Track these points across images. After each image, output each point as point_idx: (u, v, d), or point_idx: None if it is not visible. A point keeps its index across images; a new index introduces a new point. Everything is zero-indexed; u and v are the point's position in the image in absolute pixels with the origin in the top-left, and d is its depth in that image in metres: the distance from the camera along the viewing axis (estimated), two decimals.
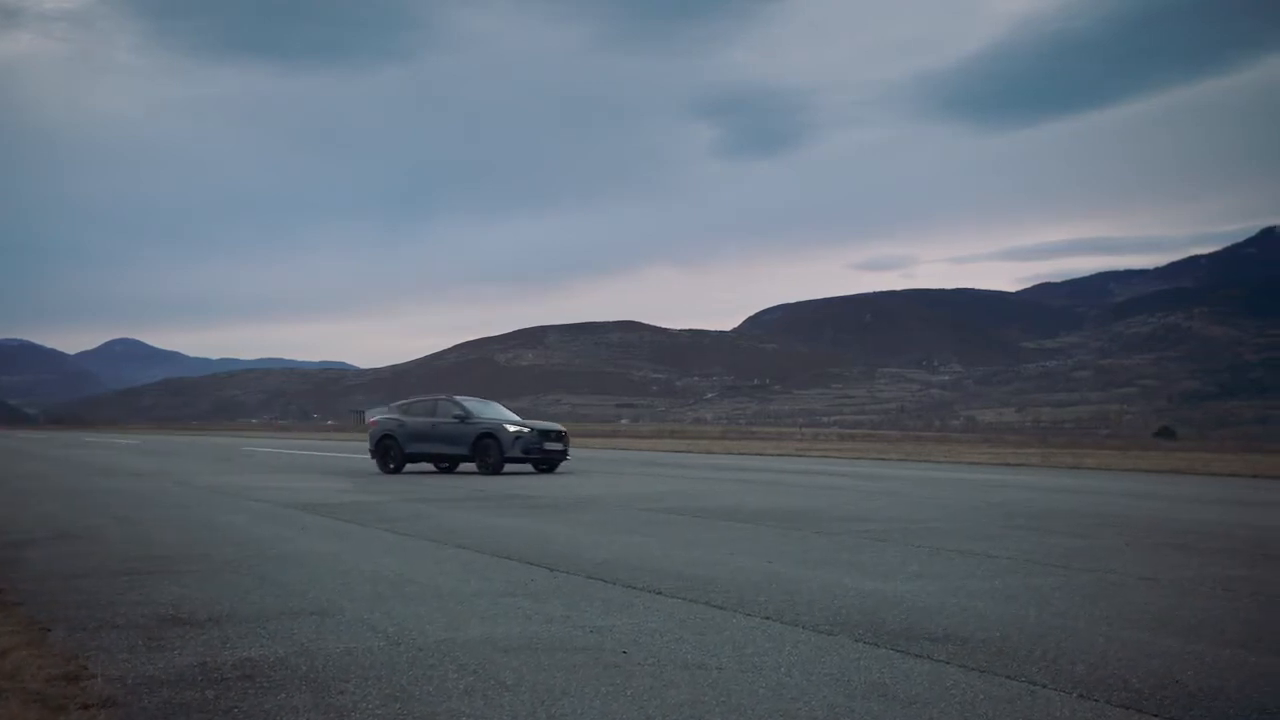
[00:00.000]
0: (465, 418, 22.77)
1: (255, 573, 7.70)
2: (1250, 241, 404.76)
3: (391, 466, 23.12)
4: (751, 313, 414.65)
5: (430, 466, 23.54)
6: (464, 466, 23.33)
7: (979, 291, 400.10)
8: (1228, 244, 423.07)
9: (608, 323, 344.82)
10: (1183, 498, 17.63)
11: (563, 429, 23.56)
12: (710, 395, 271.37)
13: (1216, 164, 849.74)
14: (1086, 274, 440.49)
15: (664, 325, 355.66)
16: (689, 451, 40.70)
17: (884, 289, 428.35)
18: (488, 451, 22.01)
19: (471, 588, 7.03)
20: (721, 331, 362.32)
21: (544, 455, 22.45)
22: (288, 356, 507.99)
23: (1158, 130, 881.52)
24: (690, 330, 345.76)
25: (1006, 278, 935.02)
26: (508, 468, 22.39)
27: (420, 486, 17.50)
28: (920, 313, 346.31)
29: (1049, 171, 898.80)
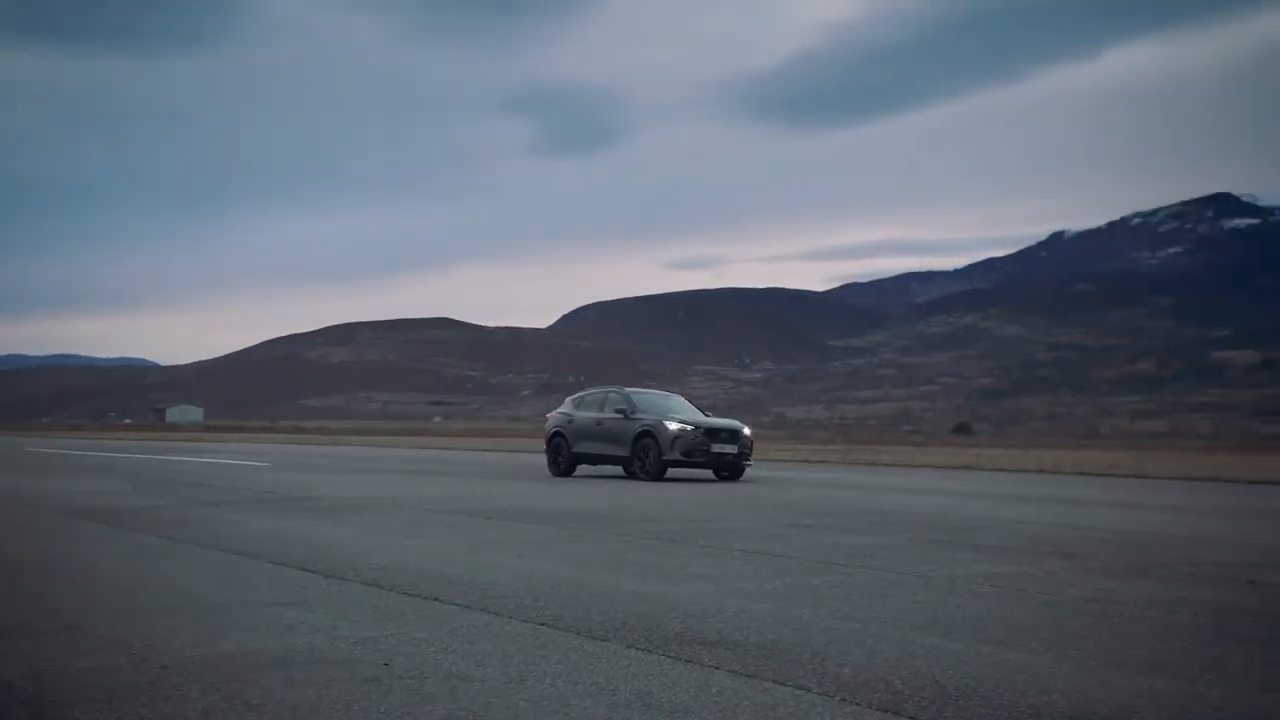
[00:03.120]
0: (629, 412, 20.27)
1: (1, 586, 7.19)
2: (1041, 245, 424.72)
3: (560, 469, 21.12)
4: (567, 310, 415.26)
5: (613, 469, 21.21)
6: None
7: (789, 291, 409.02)
8: (1021, 247, 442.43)
9: (421, 319, 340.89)
10: (968, 493, 18.23)
11: (740, 427, 20.31)
12: (525, 393, 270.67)
13: (1010, 169, 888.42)
14: (891, 275, 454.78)
15: (479, 322, 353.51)
16: (497, 450, 40.37)
17: (697, 287, 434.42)
18: (646, 453, 19.62)
19: (237, 597, 6.69)
20: (537, 329, 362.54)
21: (711, 459, 19.54)
22: (82, 352, 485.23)
23: (956, 136, 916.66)
24: (505, 327, 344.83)
25: (815, 277, 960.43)
26: (671, 473, 19.99)
27: (206, 490, 16.82)
28: (732, 311, 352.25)
29: (855, 174, 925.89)
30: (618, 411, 20.35)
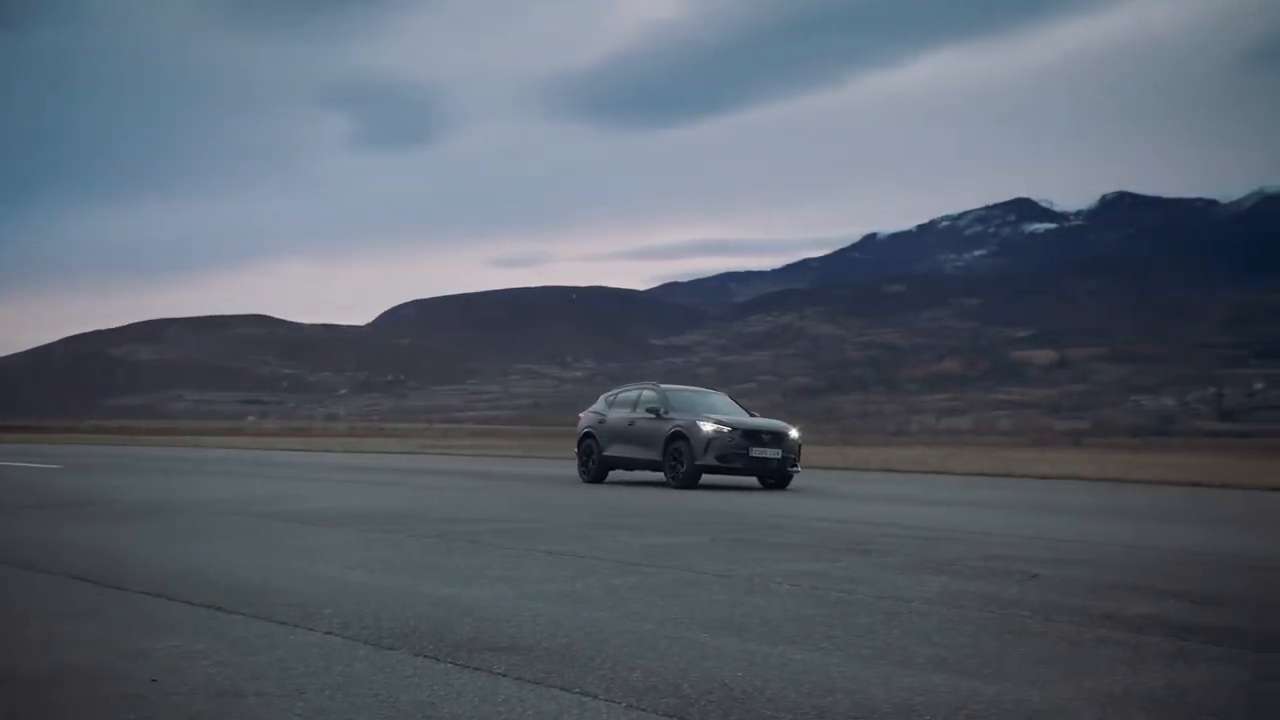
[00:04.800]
0: (662, 411, 18.58)
1: None
2: (855, 246, 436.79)
3: (590, 474, 19.36)
4: (386, 308, 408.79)
5: (652, 474, 19.21)
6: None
7: (611, 289, 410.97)
8: (836, 248, 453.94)
9: (234, 316, 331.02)
10: (774, 491, 18.51)
11: (785, 428, 18.55)
12: (343, 391, 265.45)
13: (826, 172, 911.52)
14: (710, 274, 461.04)
15: (295, 319, 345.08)
16: (309, 450, 39.42)
17: (520, 285, 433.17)
18: (679, 457, 17.89)
19: (2, 611, 6.28)
20: (355, 326, 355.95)
21: (750, 464, 17.86)
22: None
23: (773, 138, 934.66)
24: (323, 325, 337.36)
25: (637, 276, 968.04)
26: (705, 479, 18.30)
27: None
28: (555, 309, 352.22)
29: (676, 174, 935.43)
30: (650, 411, 18.77)
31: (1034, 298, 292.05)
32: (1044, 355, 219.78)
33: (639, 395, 19.49)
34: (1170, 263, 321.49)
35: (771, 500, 15.70)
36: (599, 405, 20.20)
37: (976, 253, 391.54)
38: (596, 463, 19.32)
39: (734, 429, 17.78)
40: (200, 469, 24.11)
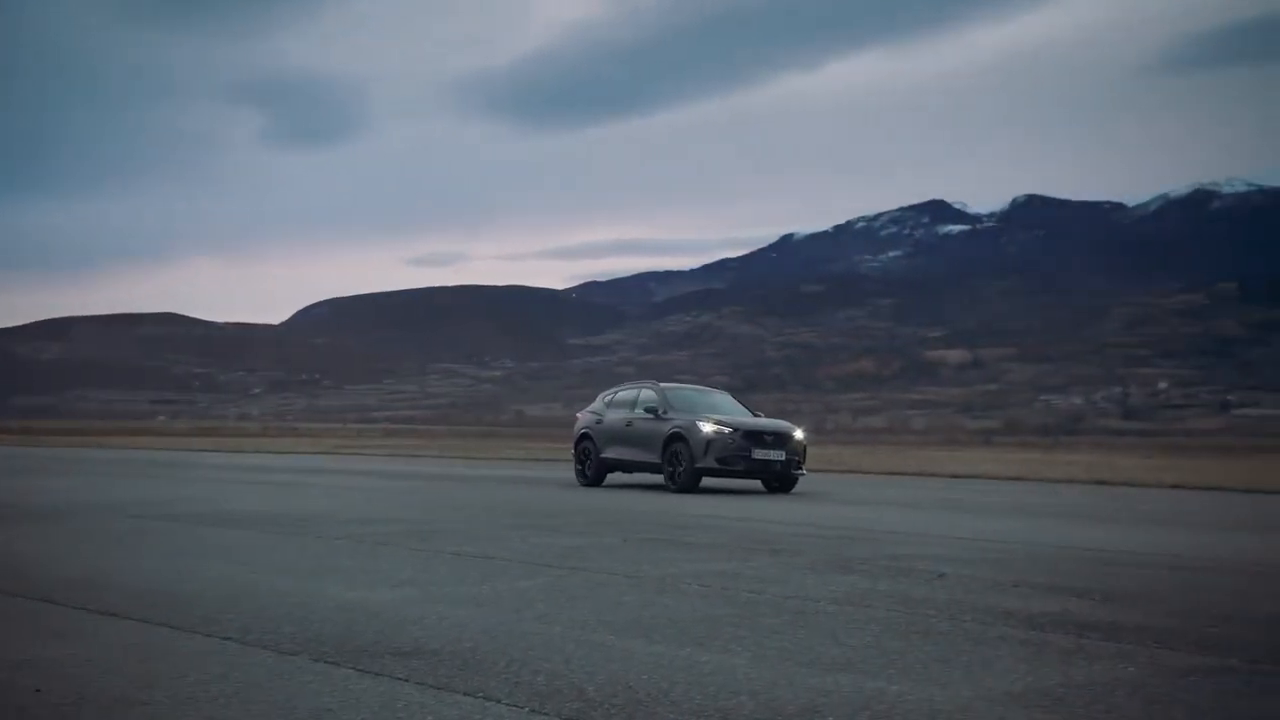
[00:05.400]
0: (661, 411, 17.74)
1: None
2: (772, 247, 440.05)
3: (587, 478, 18.54)
4: (301, 306, 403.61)
5: (651, 476, 18.29)
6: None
7: (530, 289, 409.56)
8: (754, 248, 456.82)
9: (145, 314, 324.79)
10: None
11: (790, 429, 17.68)
12: (256, 390, 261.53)
13: (743, 173, 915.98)
14: (629, 274, 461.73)
15: (207, 318, 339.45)
16: (220, 450, 38.77)
17: (438, 284, 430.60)
18: (677, 459, 17.09)
19: None
20: (269, 325, 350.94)
21: (753, 467, 17.05)
22: None
23: (692, 139, 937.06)
24: (235, 323, 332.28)
25: (556, 276, 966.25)
26: (707, 482, 17.47)
27: None
28: (473, 309, 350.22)
29: (595, 174, 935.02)
30: (648, 411, 17.94)
31: (947, 298, 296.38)
32: (957, 355, 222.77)
33: (637, 394, 18.78)
34: (1079, 264, 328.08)
35: (684, 501, 15.71)
36: (596, 405, 19.52)
37: (891, 253, 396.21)
38: (594, 465, 18.60)
39: (735, 430, 17.03)
40: (104, 470, 23.57)
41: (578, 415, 19.77)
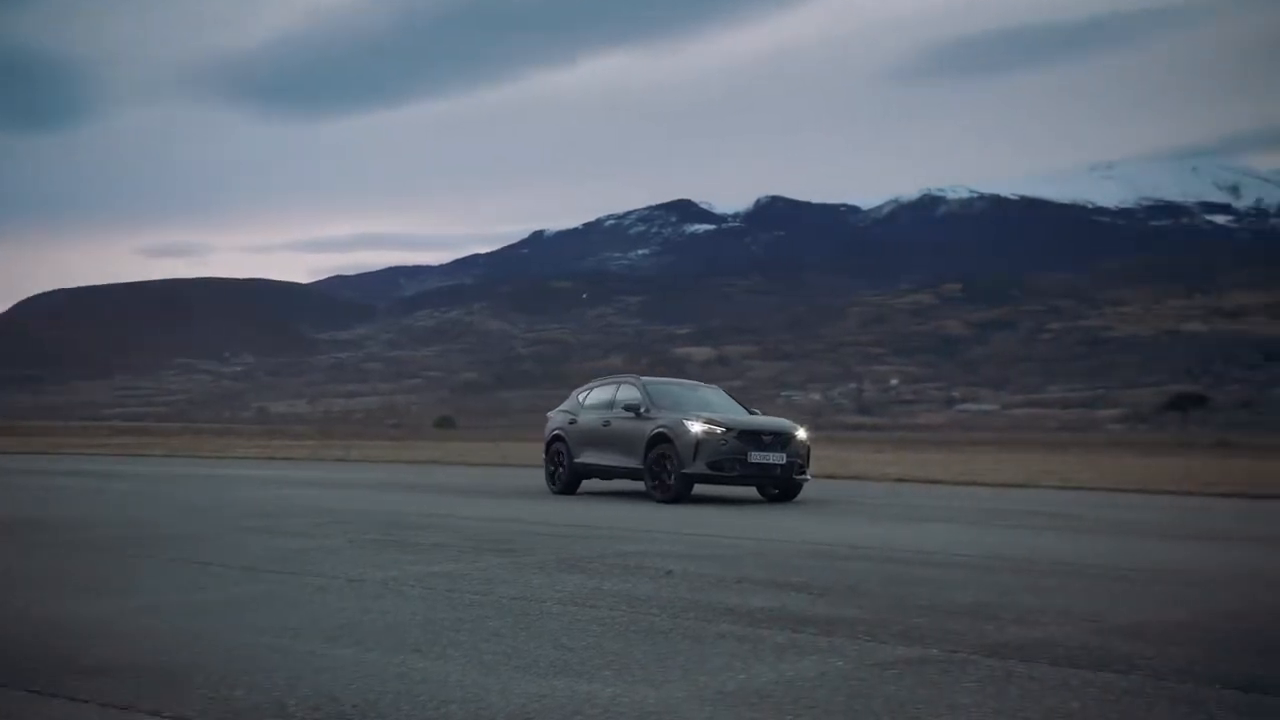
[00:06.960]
0: (642, 410, 15.52)
1: None
2: (523, 243, 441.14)
3: (560, 484, 16.49)
4: (24, 297, 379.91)
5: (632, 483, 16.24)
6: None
7: (274, 282, 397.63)
8: (504, 245, 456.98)
9: None
10: (431, 487, 18.31)
11: (792, 429, 15.52)
12: None
13: (494, 168, 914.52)
14: (377, 268, 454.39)
15: None
16: None
17: (176, 276, 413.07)
18: (662, 464, 14.99)
19: None
20: None
21: (750, 472, 14.96)
22: None
23: (442, 132, 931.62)
24: None
25: (301, 269, 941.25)
26: (698, 489, 15.49)
27: None
28: (213, 302, 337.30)
29: (343, 166, 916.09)
30: (628, 409, 15.73)
31: (693, 296, 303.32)
32: (703, 352, 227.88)
33: (615, 391, 16.56)
34: (818, 264, 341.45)
35: (423, 500, 15.47)
36: (570, 403, 17.44)
37: (640, 251, 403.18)
38: (566, 471, 16.59)
39: (729, 429, 14.93)
40: None
41: (549, 415, 17.80)
